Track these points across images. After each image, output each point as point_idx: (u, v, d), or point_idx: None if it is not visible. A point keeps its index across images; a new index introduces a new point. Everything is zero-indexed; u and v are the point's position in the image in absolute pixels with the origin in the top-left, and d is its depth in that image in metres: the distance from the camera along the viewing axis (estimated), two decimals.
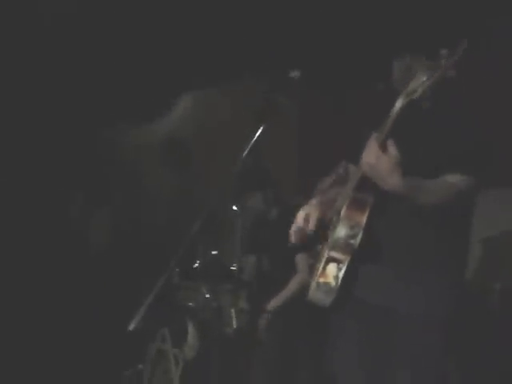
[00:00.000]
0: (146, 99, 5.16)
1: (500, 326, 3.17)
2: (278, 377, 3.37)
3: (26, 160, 4.84)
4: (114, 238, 5.15)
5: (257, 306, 3.52)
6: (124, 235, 5.13)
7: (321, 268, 2.06)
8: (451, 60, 1.74)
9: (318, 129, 4.79)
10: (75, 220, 5.21)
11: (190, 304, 3.88)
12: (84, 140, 5.23)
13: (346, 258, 2.04)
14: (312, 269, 2.17)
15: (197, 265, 3.85)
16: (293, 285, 3.41)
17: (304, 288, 2.22)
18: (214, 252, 3.96)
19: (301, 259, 3.29)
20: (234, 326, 3.54)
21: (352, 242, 2.01)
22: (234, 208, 3.74)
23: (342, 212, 2.05)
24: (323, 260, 2.06)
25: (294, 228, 2.26)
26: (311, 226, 2.20)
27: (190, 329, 3.75)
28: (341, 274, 2.04)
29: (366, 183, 1.99)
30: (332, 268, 2.05)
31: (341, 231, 2.02)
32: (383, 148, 1.86)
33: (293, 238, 2.27)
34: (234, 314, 3.55)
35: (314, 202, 2.29)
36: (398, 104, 1.86)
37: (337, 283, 2.04)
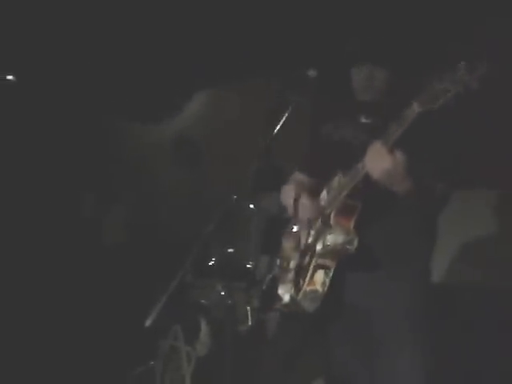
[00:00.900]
0: (157, 98, 5.18)
1: (472, 322, 3.20)
2: (288, 374, 3.38)
3: (37, 160, 4.88)
4: (128, 237, 5.18)
5: (268, 305, 3.52)
6: (137, 233, 5.15)
7: (308, 277, 2.09)
8: (477, 73, 1.74)
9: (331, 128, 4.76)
10: (88, 219, 5.24)
11: (203, 301, 3.90)
12: (96, 138, 5.27)
13: (333, 264, 2.08)
14: (296, 283, 2.17)
15: (212, 262, 3.87)
16: None
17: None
18: (230, 250, 3.97)
19: None
20: (249, 324, 3.55)
21: (349, 247, 2.04)
22: (251, 206, 3.74)
23: (333, 219, 2.08)
24: (310, 269, 2.09)
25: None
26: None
27: (203, 326, 3.76)
28: (328, 281, 2.08)
29: (358, 189, 2.03)
30: (320, 275, 2.09)
31: (337, 238, 2.04)
32: (392, 153, 1.89)
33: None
34: (249, 312, 3.56)
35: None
36: (411, 112, 1.85)
37: (323, 289, 2.08)
